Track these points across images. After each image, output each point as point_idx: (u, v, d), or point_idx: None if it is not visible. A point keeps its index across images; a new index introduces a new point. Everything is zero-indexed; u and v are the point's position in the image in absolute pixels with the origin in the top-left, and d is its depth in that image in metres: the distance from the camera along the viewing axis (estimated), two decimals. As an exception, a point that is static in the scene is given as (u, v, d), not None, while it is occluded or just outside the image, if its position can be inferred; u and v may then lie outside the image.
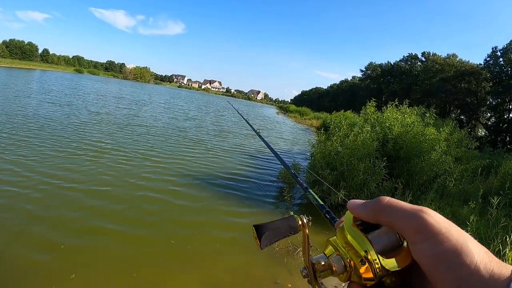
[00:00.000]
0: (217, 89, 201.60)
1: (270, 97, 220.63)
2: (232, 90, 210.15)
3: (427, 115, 10.19)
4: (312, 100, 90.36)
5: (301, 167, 9.96)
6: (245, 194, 7.64)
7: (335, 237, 0.49)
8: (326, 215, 0.69)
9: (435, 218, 0.40)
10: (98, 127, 12.53)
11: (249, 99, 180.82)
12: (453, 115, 34.14)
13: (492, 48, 34.23)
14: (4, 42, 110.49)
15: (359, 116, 12.89)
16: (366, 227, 0.47)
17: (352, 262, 0.45)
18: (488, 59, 34.57)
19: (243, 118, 2.55)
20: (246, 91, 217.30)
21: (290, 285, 4.26)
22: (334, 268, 0.46)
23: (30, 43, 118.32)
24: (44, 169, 6.93)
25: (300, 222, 0.50)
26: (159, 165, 8.58)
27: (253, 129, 2.00)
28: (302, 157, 13.68)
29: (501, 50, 33.05)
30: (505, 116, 32.56)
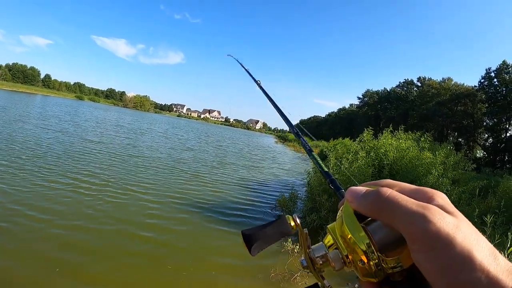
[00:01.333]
0: (216, 119, 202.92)
1: (269, 126, 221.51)
2: (231, 120, 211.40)
3: (422, 139, 10.34)
4: (310, 129, 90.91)
5: (299, 193, 10.01)
6: (243, 222, 7.69)
7: (334, 224, 0.44)
8: (331, 185, 0.66)
9: (438, 226, 0.34)
10: (93, 157, 12.19)
11: (248, 128, 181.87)
12: (451, 138, 34.37)
13: (486, 70, 34.93)
14: (7, 65, 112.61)
15: (356, 143, 13.11)
16: (364, 216, 0.43)
17: (350, 259, 0.41)
18: (482, 80, 35.12)
19: (246, 70, 2.40)
20: (245, 120, 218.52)
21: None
22: (332, 264, 0.42)
23: (32, 68, 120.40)
24: (26, 201, 6.58)
25: (292, 223, 0.46)
26: (155, 193, 8.63)
27: (254, 79, 1.91)
28: (301, 183, 13.75)
29: (494, 70, 33.64)
30: (503, 136, 32.81)
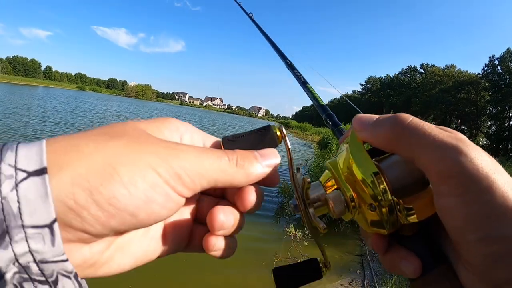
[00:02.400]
0: (218, 106, 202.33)
1: (271, 114, 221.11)
2: (234, 107, 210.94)
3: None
4: (313, 116, 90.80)
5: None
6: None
7: (335, 159, 0.36)
8: (327, 120, 0.57)
9: (475, 163, 0.27)
10: None
11: (251, 115, 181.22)
12: (454, 125, 34.26)
13: (490, 57, 34.63)
14: (7, 58, 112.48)
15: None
16: (374, 151, 0.34)
17: (356, 203, 0.33)
18: (486, 68, 34.89)
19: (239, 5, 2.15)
20: (247, 107, 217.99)
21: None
22: (331, 207, 0.33)
23: (33, 60, 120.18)
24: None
25: (278, 133, 0.36)
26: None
27: (246, 12, 1.66)
28: (304, 170, 13.80)
29: (498, 58, 33.40)
30: (506, 124, 32.72)
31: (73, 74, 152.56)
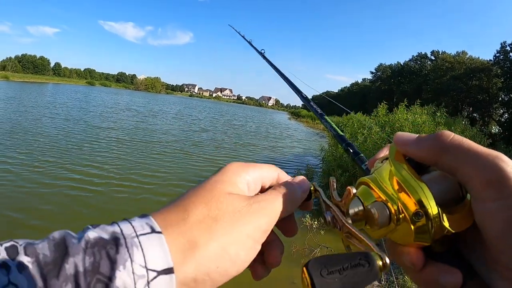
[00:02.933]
0: (228, 97, 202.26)
1: (281, 103, 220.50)
2: (243, 97, 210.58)
3: (438, 114, 10.29)
4: (323, 104, 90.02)
5: (315, 169, 10.09)
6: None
7: (373, 175, 0.37)
8: (348, 148, 0.59)
9: None
10: (104, 145, 11.73)
11: (261, 105, 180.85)
12: (466, 113, 33.86)
13: (501, 43, 33.96)
14: (16, 57, 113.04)
15: (370, 118, 13.08)
16: (413, 167, 0.35)
17: (402, 213, 0.33)
18: (497, 54, 34.29)
19: (250, 44, 2.42)
20: (257, 97, 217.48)
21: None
22: (375, 217, 0.34)
23: (42, 57, 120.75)
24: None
25: (312, 188, 0.43)
26: (172, 181, 8.80)
27: (257, 51, 1.80)
28: (317, 159, 13.83)
29: (510, 44, 32.78)
30: (518, 112, 32.26)
31: (82, 69, 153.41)
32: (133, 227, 0.30)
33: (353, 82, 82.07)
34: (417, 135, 0.36)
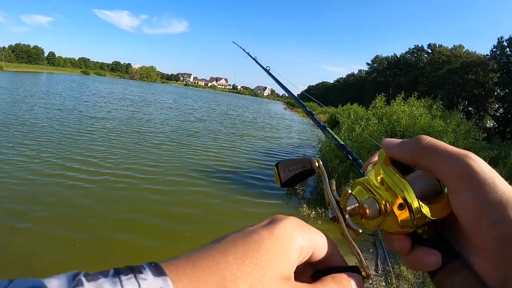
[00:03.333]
0: (223, 86, 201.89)
1: (277, 93, 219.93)
2: (239, 87, 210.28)
3: (434, 107, 10.34)
4: (319, 95, 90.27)
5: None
6: (258, 188, 7.88)
7: (366, 177, 0.44)
8: (348, 155, 0.66)
9: (481, 166, 0.35)
10: (97, 136, 11.63)
11: (256, 95, 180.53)
12: (461, 106, 34.00)
13: (498, 39, 34.05)
14: (10, 46, 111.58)
15: (367, 109, 13.10)
16: (399, 169, 0.41)
17: (388, 206, 0.39)
18: (494, 49, 34.38)
19: (255, 60, 2.40)
20: (252, 87, 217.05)
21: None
22: (367, 212, 0.40)
23: (36, 47, 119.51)
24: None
25: (317, 164, 0.46)
26: (167, 169, 8.77)
27: (262, 67, 1.90)
28: (313, 149, 13.84)
29: (507, 40, 32.86)
30: (513, 107, 32.42)
31: (76, 59, 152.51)
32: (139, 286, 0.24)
33: (349, 73, 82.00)
34: (401, 140, 0.42)
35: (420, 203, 0.38)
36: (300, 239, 0.34)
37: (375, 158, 0.45)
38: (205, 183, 7.56)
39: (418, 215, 0.38)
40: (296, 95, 1.17)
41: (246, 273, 0.28)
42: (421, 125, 9.15)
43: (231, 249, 0.30)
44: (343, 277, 0.37)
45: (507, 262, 0.32)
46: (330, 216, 0.44)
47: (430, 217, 0.38)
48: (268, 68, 1.72)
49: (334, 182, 0.45)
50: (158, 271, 0.25)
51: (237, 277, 0.28)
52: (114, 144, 10.11)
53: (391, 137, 8.97)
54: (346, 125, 9.31)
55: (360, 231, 0.42)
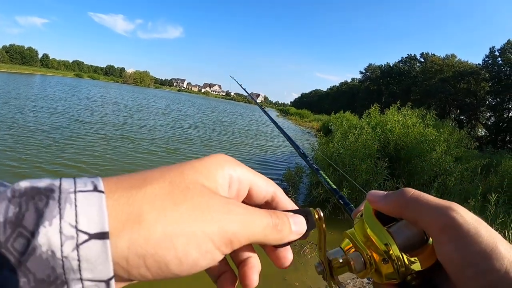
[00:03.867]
0: (217, 93, 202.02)
1: (270, 100, 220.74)
2: (232, 94, 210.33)
3: (427, 116, 10.40)
4: (312, 103, 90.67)
5: (305, 168, 10.11)
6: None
7: (352, 229, 0.44)
8: (340, 200, 0.66)
9: (464, 217, 0.35)
10: (88, 141, 11.48)
11: (249, 102, 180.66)
12: (453, 115, 34.30)
13: (490, 48, 34.59)
14: (4, 47, 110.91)
15: (360, 118, 13.13)
16: (385, 218, 0.42)
17: (372, 259, 0.40)
18: (486, 59, 34.86)
19: (251, 97, 2.61)
20: (246, 94, 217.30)
21: (297, 283, 4.41)
22: (352, 265, 0.41)
23: (30, 48, 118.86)
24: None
25: (316, 216, 0.41)
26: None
27: (259, 106, 1.97)
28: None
29: (499, 49, 33.37)
30: (505, 116, 32.81)
31: (70, 61, 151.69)
32: (74, 182, 0.26)
33: (343, 81, 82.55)
34: (386, 192, 0.43)
35: (404, 255, 0.38)
36: (230, 169, 0.35)
37: (362, 207, 0.45)
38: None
39: (402, 268, 0.38)
40: (292, 139, 1.17)
41: (169, 175, 0.31)
42: (414, 134, 9.18)
43: (165, 166, 0.32)
44: (285, 215, 0.37)
45: None
46: (318, 270, 0.43)
47: (414, 268, 0.38)
48: (263, 107, 1.96)
49: (325, 230, 0.42)
50: (94, 176, 0.28)
51: (159, 177, 0.30)
52: (103, 151, 9.78)
53: (384, 146, 9.15)
54: (339, 133, 9.31)
55: (344, 286, 0.43)
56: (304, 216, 0.39)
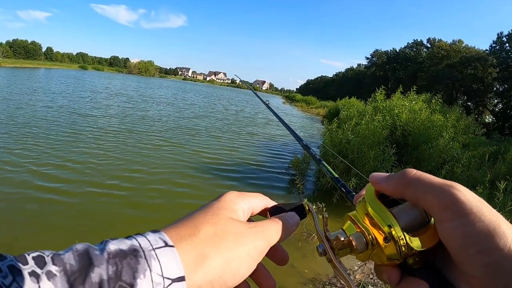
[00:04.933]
0: (222, 81, 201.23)
1: (275, 87, 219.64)
2: (237, 81, 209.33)
3: (433, 101, 10.33)
4: (317, 89, 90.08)
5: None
6: (260, 181, 7.95)
7: (354, 212, 0.45)
8: (342, 188, 0.68)
9: (467, 195, 0.36)
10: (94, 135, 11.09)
11: (255, 89, 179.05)
12: (460, 101, 33.94)
13: (497, 34, 34.03)
14: (7, 42, 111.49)
15: (365, 103, 13.04)
16: (387, 202, 0.43)
17: (374, 240, 0.41)
18: (494, 45, 34.36)
19: (253, 91, 2.60)
20: (251, 81, 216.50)
21: (306, 271, 4.45)
22: (354, 246, 0.42)
23: (33, 42, 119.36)
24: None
25: (307, 208, 0.50)
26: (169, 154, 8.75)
27: (262, 100, 1.96)
28: (314, 144, 13.73)
29: (506, 35, 32.85)
30: (512, 102, 32.42)
31: (74, 54, 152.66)
32: (148, 241, 0.35)
33: (348, 67, 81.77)
34: (388, 174, 0.44)
35: (406, 235, 0.39)
36: (241, 202, 0.45)
37: (364, 192, 0.46)
38: (205, 180, 7.56)
39: (404, 247, 0.39)
40: (297, 134, 1.19)
41: (209, 218, 0.40)
42: (421, 119, 9.14)
43: (200, 211, 0.42)
44: (282, 216, 0.46)
45: None
46: (320, 250, 0.45)
47: (416, 248, 0.39)
48: (267, 102, 1.90)
49: (327, 216, 0.46)
50: (155, 231, 0.37)
51: (203, 221, 0.39)
52: (112, 145, 9.80)
53: (392, 132, 9.10)
54: (348, 121, 9.29)
55: (347, 271, 0.44)
56: (294, 209, 0.49)
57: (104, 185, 6.38)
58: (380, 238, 0.40)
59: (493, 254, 0.33)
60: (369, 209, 0.42)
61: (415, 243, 0.39)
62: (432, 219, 0.40)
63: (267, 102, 1.89)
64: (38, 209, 5.18)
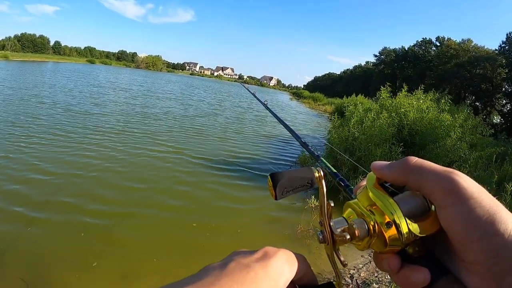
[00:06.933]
0: (229, 76, 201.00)
1: (283, 83, 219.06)
2: (245, 77, 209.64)
3: (442, 101, 10.31)
4: (325, 86, 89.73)
5: (319, 151, 10.11)
6: (265, 177, 7.81)
7: (355, 199, 0.45)
8: (340, 182, 0.71)
9: (468, 182, 0.36)
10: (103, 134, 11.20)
11: (262, 85, 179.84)
12: (468, 101, 33.68)
13: (507, 34, 33.67)
14: (16, 36, 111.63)
15: (372, 101, 13.04)
16: (388, 191, 0.44)
17: (376, 226, 0.41)
18: (503, 45, 34.00)
19: (251, 92, 2.66)
20: (258, 77, 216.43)
21: (312, 268, 4.50)
22: (356, 232, 0.41)
23: (41, 36, 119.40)
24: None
25: (317, 174, 0.46)
26: (178, 155, 8.78)
27: (260, 101, 2.00)
28: (321, 141, 13.67)
29: (516, 36, 32.51)
30: (522, 104, 32.12)
31: (82, 48, 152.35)
32: None
33: (356, 65, 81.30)
34: (389, 162, 0.44)
35: (407, 220, 0.39)
36: (288, 273, 0.40)
37: (364, 183, 0.46)
38: (218, 175, 7.58)
39: (406, 233, 0.39)
40: (296, 132, 1.23)
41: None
42: (429, 118, 9.14)
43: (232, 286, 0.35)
44: None
45: (497, 276, 0.33)
46: (320, 237, 0.45)
47: (417, 234, 0.39)
48: (266, 103, 2.03)
49: (332, 204, 0.45)
50: None
51: None
52: (122, 143, 9.81)
53: (399, 130, 9.10)
54: (356, 117, 9.30)
55: (346, 263, 0.45)
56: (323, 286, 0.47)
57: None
58: (382, 224, 0.40)
59: (494, 239, 0.33)
60: (371, 195, 0.43)
61: (416, 228, 0.39)
62: (433, 206, 0.40)
63: (265, 103, 1.92)
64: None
